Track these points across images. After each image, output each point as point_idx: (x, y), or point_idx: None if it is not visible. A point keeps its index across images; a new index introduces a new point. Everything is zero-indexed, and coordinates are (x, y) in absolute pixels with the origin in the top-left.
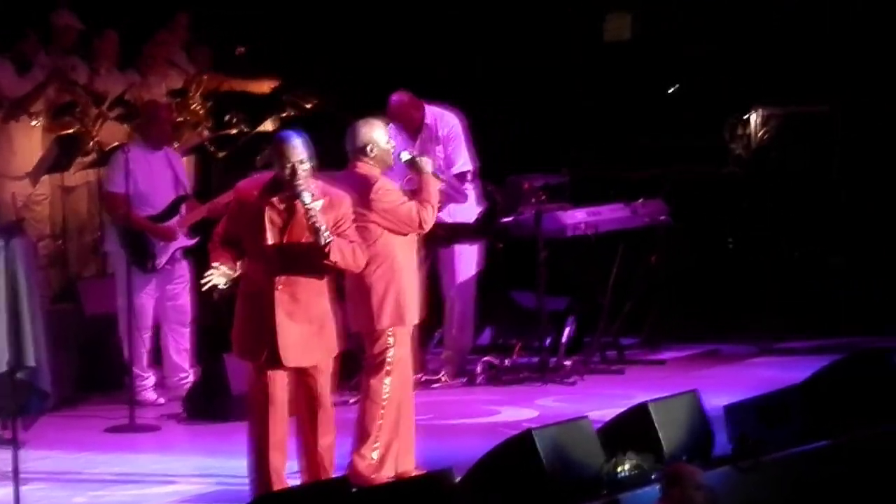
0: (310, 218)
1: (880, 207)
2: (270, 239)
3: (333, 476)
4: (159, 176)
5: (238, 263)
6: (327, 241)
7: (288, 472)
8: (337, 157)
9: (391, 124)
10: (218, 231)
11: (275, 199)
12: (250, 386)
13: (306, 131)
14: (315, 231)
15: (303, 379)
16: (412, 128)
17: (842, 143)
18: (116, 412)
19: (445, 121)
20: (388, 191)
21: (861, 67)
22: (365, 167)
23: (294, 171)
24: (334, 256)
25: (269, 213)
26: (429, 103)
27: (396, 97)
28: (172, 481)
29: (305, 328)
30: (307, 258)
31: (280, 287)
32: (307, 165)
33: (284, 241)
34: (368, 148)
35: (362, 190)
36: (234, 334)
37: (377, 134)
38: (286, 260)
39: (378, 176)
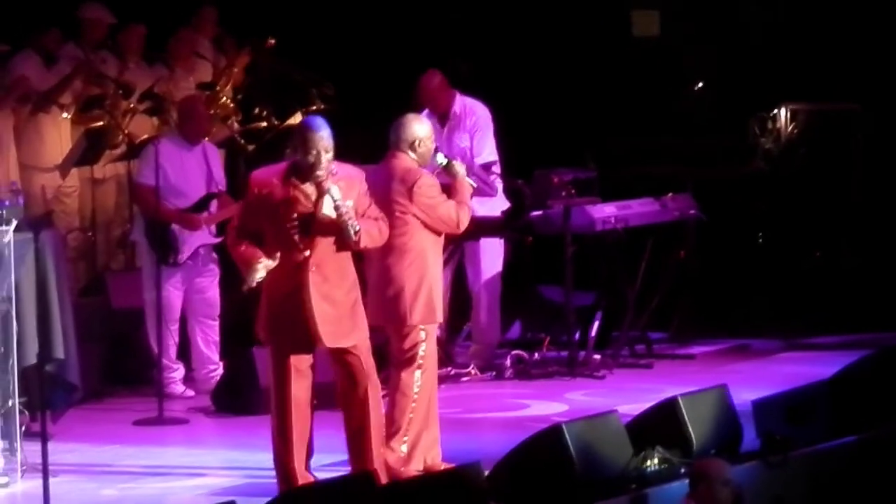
0: (340, 215)
1: None
2: (299, 222)
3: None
4: (192, 171)
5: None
6: (356, 231)
7: (318, 466)
8: (360, 149)
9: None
10: (234, 226)
11: (297, 182)
12: (270, 380)
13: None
14: (344, 226)
15: (345, 360)
16: (439, 111)
17: (867, 141)
18: (144, 405)
19: (473, 110)
20: (431, 186)
21: (890, 66)
22: (406, 160)
23: (318, 160)
24: (363, 243)
25: (295, 196)
26: (459, 93)
27: (428, 77)
28: (201, 474)
29: (340, 308)
30: (337, 238)
31: (314, 269)
32: (330, 155)
33: (314, 223)
34: (417, 143)
35: (404, 181)
36: (260, 323)
37: (425, 131)
38: (317, 241)
39: (420, 170)
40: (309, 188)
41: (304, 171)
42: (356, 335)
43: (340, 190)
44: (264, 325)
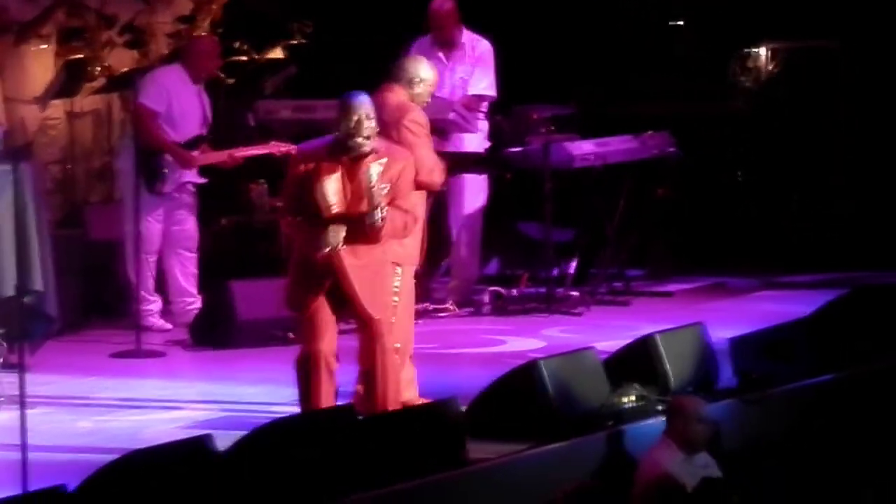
0: (372, 197)
1: (885, 143)
2: (340, 199)
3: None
4: (191, 107)
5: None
6: (379, 218)
7: None
8: (336, 86)
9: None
10: (285, 207)
11: (344, 158)
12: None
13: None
14: (372, 208)
15: (366, 327)
16: (445, 37)
17: (847, 79)
18: (122, 337)
19: (480, 44)
20: (421, 125)
21: (871, 2)
22: (401, 95)
23: (359, 126)
24: (384, 232)
25: (342, 172)
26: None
27: (440, 1)
28: (177, 407)
29: (367, 279)
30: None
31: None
32: (373, 123)
33: (350, 203)
34: (418, 81)
35: (393, 114)
36: (291, 289)
37: (430, 75)
38: (351, 220)
39: (413, 105)
40: (350, 164)
41: (347, 143)
42: (378, 308)
43: (381, 167)
44: (294, 293)
